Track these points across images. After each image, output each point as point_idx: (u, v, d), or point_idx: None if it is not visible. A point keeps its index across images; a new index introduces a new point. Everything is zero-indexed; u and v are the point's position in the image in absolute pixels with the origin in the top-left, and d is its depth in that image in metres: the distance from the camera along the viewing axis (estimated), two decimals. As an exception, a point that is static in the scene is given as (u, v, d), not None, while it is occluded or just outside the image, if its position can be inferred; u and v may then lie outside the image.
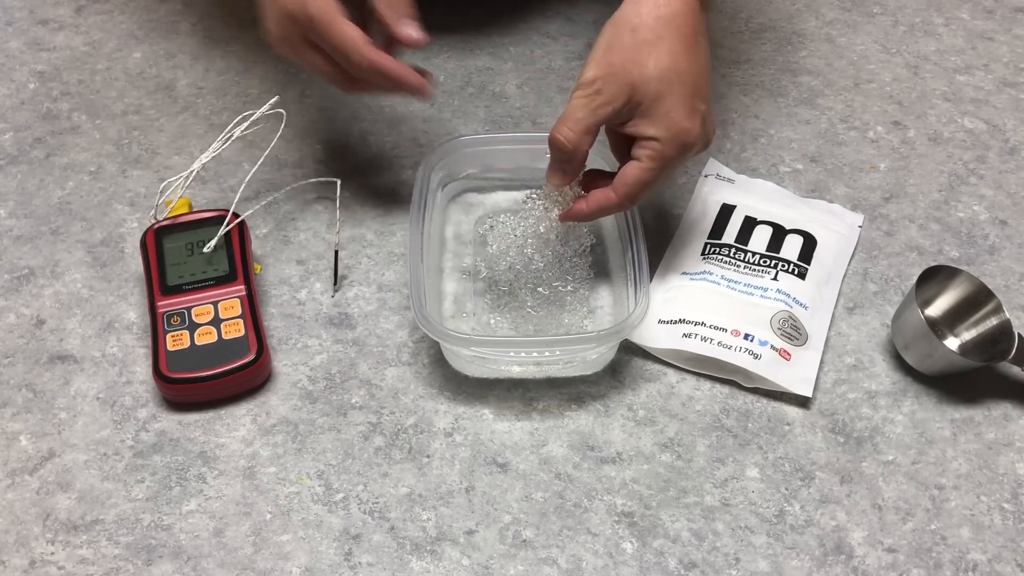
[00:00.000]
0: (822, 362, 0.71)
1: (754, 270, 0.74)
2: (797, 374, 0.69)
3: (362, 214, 0.80)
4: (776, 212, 0.79)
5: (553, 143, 0.66)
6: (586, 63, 0.65)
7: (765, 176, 0.84)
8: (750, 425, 0.68)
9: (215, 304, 0.70)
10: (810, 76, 0.93)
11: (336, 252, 0.76)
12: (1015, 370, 0.69)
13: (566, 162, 0.67)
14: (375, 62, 0.67)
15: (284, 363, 0.71)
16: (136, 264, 0.76)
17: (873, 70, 0.94)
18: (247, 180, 0.76)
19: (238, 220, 0.73)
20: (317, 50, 0.69)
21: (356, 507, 0.64)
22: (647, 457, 0.67)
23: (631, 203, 0.67)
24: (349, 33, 0.66)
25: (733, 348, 0.69)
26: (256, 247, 0.77)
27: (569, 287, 0.74)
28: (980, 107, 0.91)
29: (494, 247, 0.74)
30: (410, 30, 0.68)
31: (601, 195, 0.67)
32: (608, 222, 0.78)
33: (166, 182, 0.77)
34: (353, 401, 0.69)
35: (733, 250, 0.76)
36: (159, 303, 0.70)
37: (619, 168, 0.67)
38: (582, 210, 0.69)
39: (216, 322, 0.69)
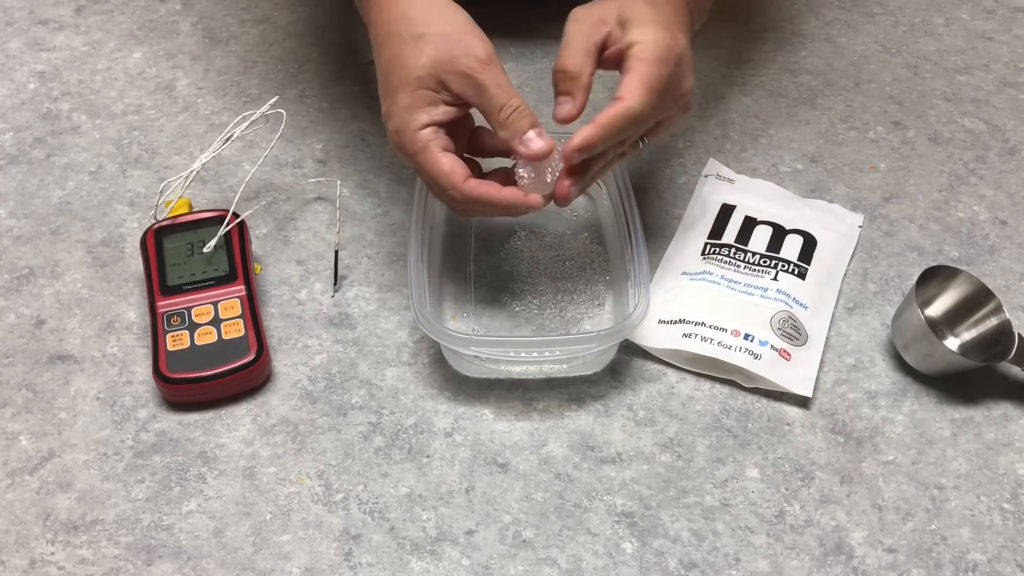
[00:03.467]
0: (822, 362, 0.71)
1: (754, 270, 0.74)
2: (797, 374, 0.69)
3: (362, 214, 0.80)
4: (776, 212, 0.79)
5: (557, 72, 0.64)
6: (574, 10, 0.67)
7: (765, 176, 0.84)
8: (750, 425, 0.68)
9: (215, 304, 0.70)
10: (810, 76, 0.93)
11: (336, 252, 0.76)
12: (1015, 370, 0.69)
13: (571, 89, 0.64)
14: (471, 194, 0.64)
15: (284, 363, 0.71)
16: (136, 264, 0.76)
17: (873, 70, 0.94)
18: (247, 180, 0.76)
19: (238, 220, 0.73)
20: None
21: (356, 507, 0.64)
22: (647, 457, 0.67)
23: (641, 108, 0.62)
24: (443, 169, 0.63)
25: (733, 348, 0.69)
26: (256, 247, 0.77)
27: (569, 287, 0.74)
28: (980, 107, 0.91)
29: (494, 246, 0.74)
30: (534, 144, 0.63)
31: (611, 109, 0.62)
32: (608, 222, 0.78)
33: (166, 182, 0.77)
34: (353, 401, 0.69)
35: (733, 250, 0.76)
36: (159, 303, 0.70)
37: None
38: (590, 132, 0.62)
39: (216, 322, 0.69)
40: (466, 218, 0.74)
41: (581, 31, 0.65)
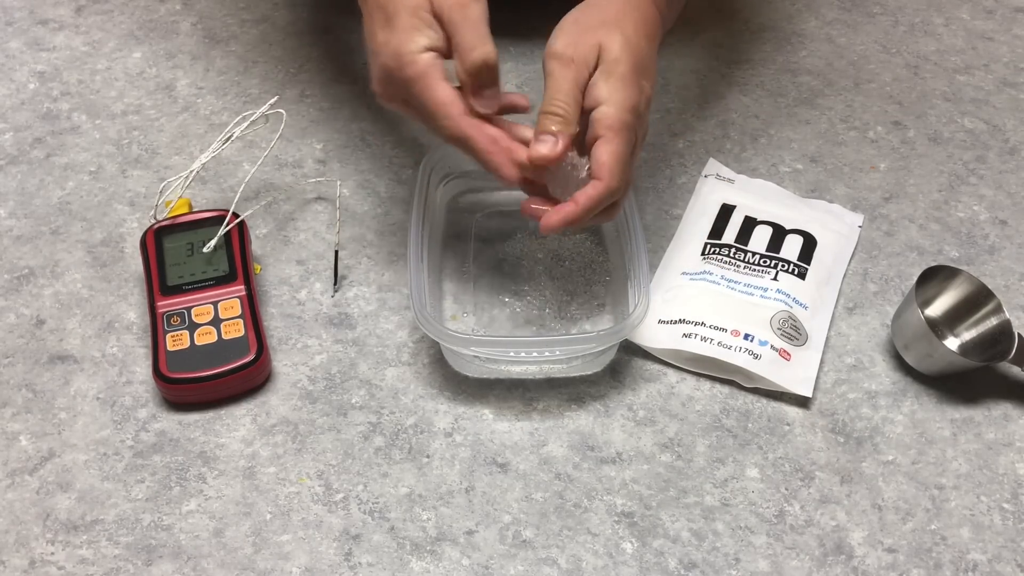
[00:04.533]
0: (822, 362, 0.71)
1: (754, 270, 0.74)
2: (797, 374, 0.69)
3: (362, 214, 0.80)
4: (776, 212, 0.79)
5: (546, 115, 0.63)
6: (553, 35, 0.66)
7: (765, 176, 0.84)
8: (750, 425, 0.68)
9: (215, 304, 0.70)
10: (810, 76, 0.93)
11: (336, 252, 0.76)
12: (1015, 370, 0.69)
13: (559, 130, 0.63)
14: (464, 132, 0.63)
15: (284, 363, 0.71)
16: (136, 264, 0.76)
17: (873, 70, 0.94)
18: (247, 180, 0.76)
19: (238, 220, 0.73)
20: (417, 111, 0.65)
21: (356, 507, 0.64)
22: (647, 457, 0.67)
23: (618, 183, 0.63)
24: (440, 97, 0.62)
25: (733, 348, 0.69)
26: (256, 247, 0.77)
27: (569, 287, 0.74)
28: (980, 107, 0.91)
29: (494, 246, 0.74)
30: (486, 102, 0.64)
31: (589, 190, 0.63)
32: (608, 222, 0.78)
33: (166, 182, 0.77)
34: (353, 401, 0.69)
35: (733, 250, 0.76)
36: (159, 303, 0.70)
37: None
38: (573, 211, 0.63)
39: (216, 322, 0.69)
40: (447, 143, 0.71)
41: (567, 75, 0.64)
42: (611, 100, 0.64)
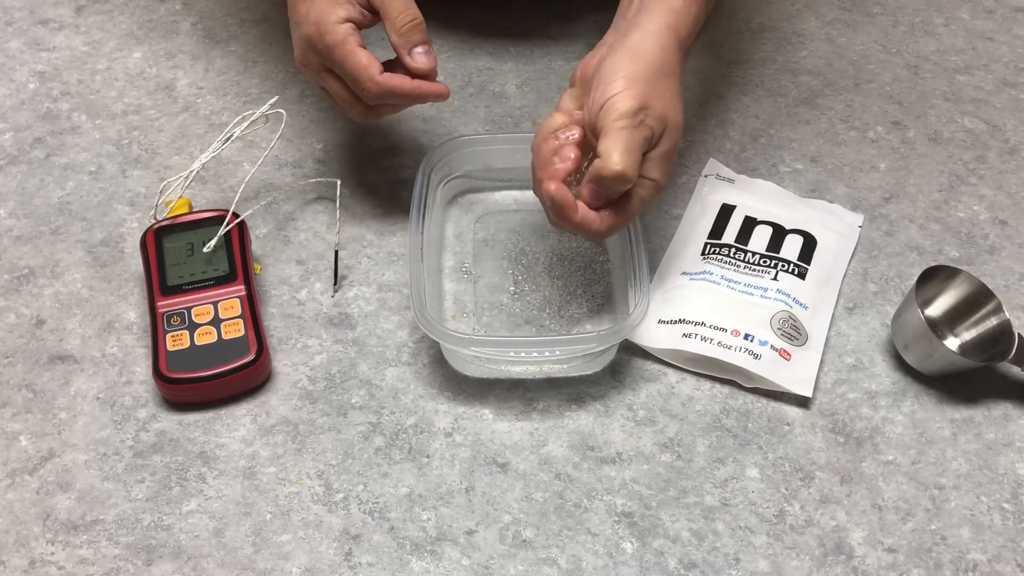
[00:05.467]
0: (822, 362, 0.71)
1: (754, 270, 0.74)
2: (797, 374, 0.69)
3: (362, 214, 0.80)
4: (776, 212, 0.79)
5: (615, 178, 0.62)
6: (611, 85, 0.63)
7: (765, 176, 0.84)
8: (750, 425, 0.68)
9: (215, 304, 0.70)
10: (810, 76, 0.93)
11: (336, 252, 0.76)
12: (1015, 370, 0.69)
13: (615, 192, 0.64)
14: (386, 85, 0.68)
15: (284, 363, 0.71)
16: (136, 264, 0.76)
17: (873, 70, 0.94)
18: (247, 180, 0.76)
19: (238, 220, 0.73)
20: (336, 77, 0.71)
21: (356, 507, 0.64)
22: (647, 457, 0.67)
23: (609, 233, 0.66)
24: (361, 61, 0.68)
25: (733, 348, 0.69)
26: (256, 247, 0.77)
27: (569, 287, 0.74)
28: (980, 107, 0.91)
29: (494, 246, 0.74)
30: (420, 57, 0.69)
31: (612, 216, 0.65)
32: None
33: (166, 182, 0.77)
34: (353, 401, 0.69)
35: (733, 250, 0.76)
36: (159, 303, 0.70)
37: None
38: (600, 229, 0.65)
39: (216, 322, 0.69)
40: (375, 119, 0.75)
41: (634, 137, 0.62)
42: (661, 178, 0.66)
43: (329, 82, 0.72)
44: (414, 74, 0.70)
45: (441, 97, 0.71)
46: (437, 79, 0.71)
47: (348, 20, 0.69)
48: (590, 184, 0.64)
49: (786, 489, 0.65)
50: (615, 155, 0.62)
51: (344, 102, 0.72)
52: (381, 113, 0.74)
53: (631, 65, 0.64)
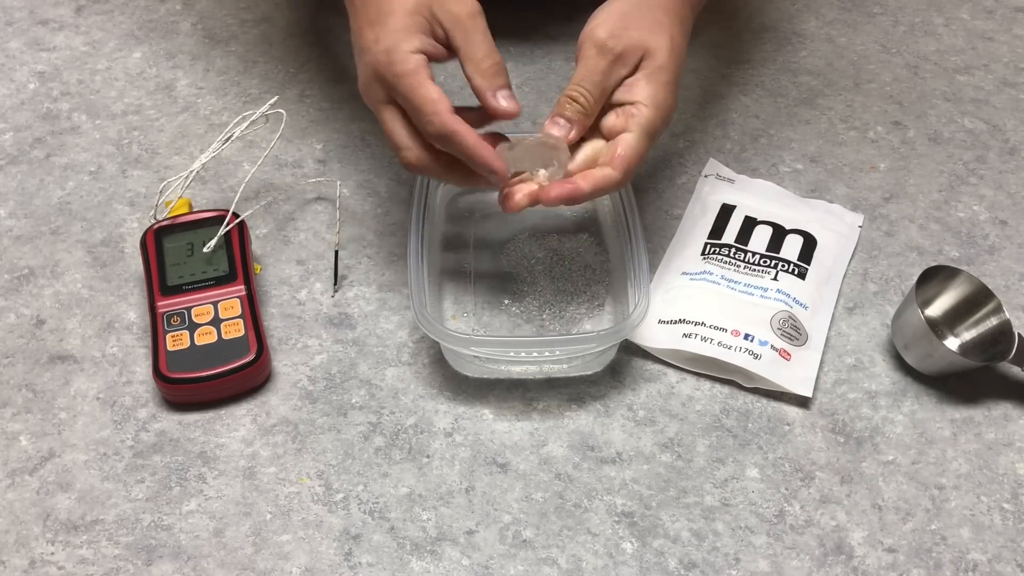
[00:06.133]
0: (822, 362, 0.71)
1: (754, 270, 0.74)
2: (797, 374, 0.69)
3: (362, 214, 0.80)
4: (776, 212, 0.79)
5: (568, 99, 0.65)
6: (594, 22, 0.66)
7: (765, 176, 0.84)
8: (750, 425, 0.68)
9: (215, 304, 0.70)
10: (810, 76, 0.93)
11: (336, 252, 0.76)
12: (1015, 370, 0.69)
13: (576, 119, 0.65)
14: (451, 126, 0.62)
15: (284, 363, 0.71)
16: (136, 264, 0.76)
17: (873, 70, 0.94)
18: (247, 180, 0.76)
19: (238, 220, 0.73)
20: (397, 112, 0.65)
21: (356, 507, 0.64)
22: (647, 457, 0.67)
23: (629, 179, 0.66)
24: (431, 94, 0.63)
25: (733, 348, 0.69)
26: (256, 247, 0.77)
27: (569, 287, 0.74)
28: (980, 107, 0.91)
29: (494, 246, 0.74)
30: (504, 101, 0.65)
31: (599, 174, 0.65)
32: (608, 222, 0.78)
33: (166, 182, 0.77)
34: (353, 401, 0.69)
35: (733, 250, 0.76)
36: (159, 303, 0.70)
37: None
38: (581, 190, 0.64)
39: (216, 322, 0.69)
40: (419, 170, 0.68)
41: (600, 66, 0.65)
42: (651, 103, 0.65)
43: (388, 117, 0.66)
44: (496, 117, 0.65)
45: (494, 174, 0.64)
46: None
47: (421, 51, 0.64)
48: (556, 115, 0.66)
49: (786, 489, 0.65)
50: (576, 76, 0.65)
51: (400, 141, 0.66)
52: (429, 168, 0.66)
53: (620, 4, 0.67)
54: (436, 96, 0.63)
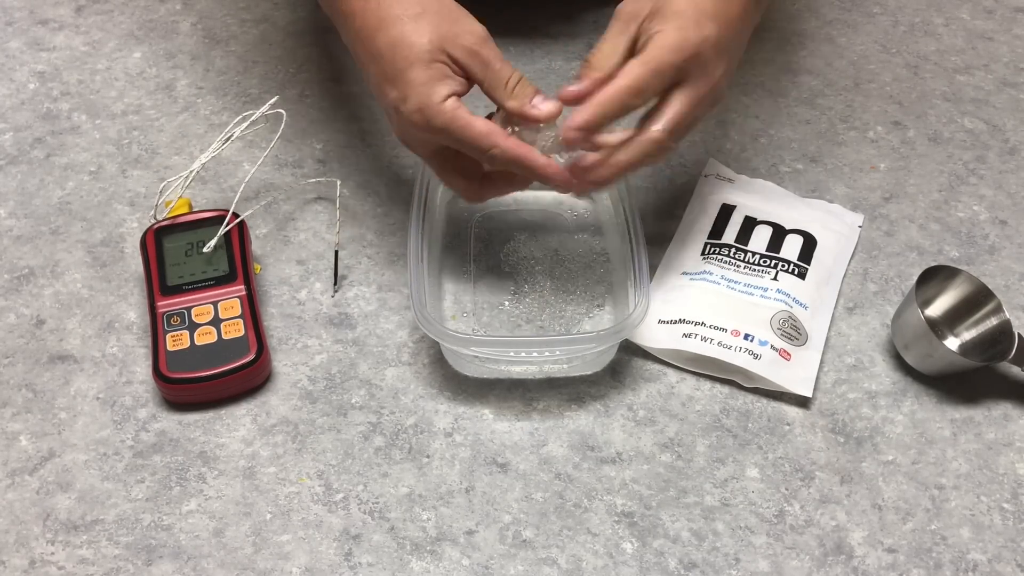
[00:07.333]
0: (822, 362, 0.71)
1: (754, 270, 0.74)
2: (797, 374, 0.69)
3: (362, 214, 0.80)
4: (776, 212, 0.79)
5: (584, 62, 0.64)
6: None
7: (765, 176, 0.84)
8: (750, 425, 0.68)
9: (215, 304, 0.70)
10: (810, 76, 0.93)
11: (336, 252, 0.76)
12: (1015, 370, 0.69)
13: (587, 76, 0.64)
14: (513, 151, 0.63)
15: (284, 363, 0.71)
16: (136, 264, 0.76)
17: (873, 70, 0.94)
18: (247, 180, 0.76)
19: (238, 220, 0.73)
20: (449, 156, 0.66)
21: (356, 507, 0.64)
22: (647, 457, 0.67)
23: (636, 83, 0.62)
24: (481, 128, 0.63)
25: (733, 348, 0.69)
26: (256, 247, 0.77)
27: (569, 287, 0.74)
28: (980, 107, 0.91)
29: (494, 246, 0.74)
30: (543, 104, 0.64)
31: (607, 87, 0.63)
32: (608, 222, 0.78)
33: (166, 182, 0.77)
34: (353, 401, 0.69)
35: (733, 250, 0.76)
36: (159, 303, 0.70)
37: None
38: (620, 161, 0.63)
39: (216, 322, 0.69)
40: (478, 200, 0.71)
41: (615, 27, 0.65)
42: (662, 27, 0.63)
43: (439, 167, 0.67)
44: (542, 122, 0.65)
45: (561, 185, 0.65)
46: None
47: (452, 95, 0.63)
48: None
49: (786, 489, 0.65)
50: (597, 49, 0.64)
51: (458, 185, 0.68)
52: (490, 194, 0.69)
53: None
54: (486, 129, 0.63)
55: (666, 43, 0.62)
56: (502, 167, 0.65)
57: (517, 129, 0.65)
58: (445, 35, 0.63)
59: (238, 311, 0.70)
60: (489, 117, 0.66)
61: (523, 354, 0.68)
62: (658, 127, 0.63)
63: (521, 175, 0.67)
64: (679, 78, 0.63)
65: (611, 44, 0.65)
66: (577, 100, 0.63)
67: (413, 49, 0.63)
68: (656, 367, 0.71)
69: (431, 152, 0.67)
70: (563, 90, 0.64)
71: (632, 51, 0.64)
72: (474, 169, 0.68)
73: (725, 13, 0.65)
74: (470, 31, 0.64)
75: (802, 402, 0.69)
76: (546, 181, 0.65)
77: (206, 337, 0.68)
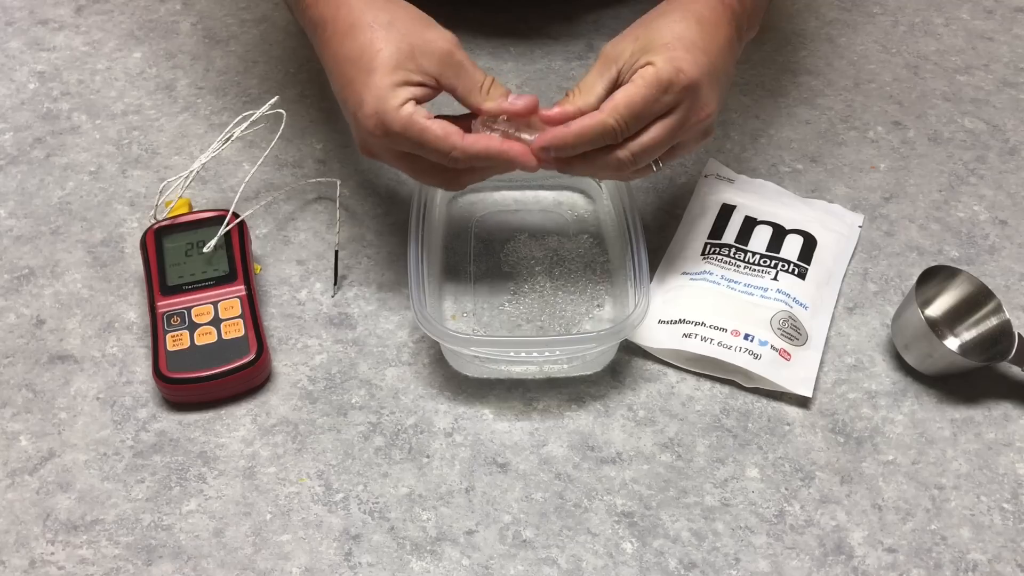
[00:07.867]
0: (822, 362, 0.71)
1: (754, 270, 0.74)
2: (797, 374, 0.69)
3: (362, 214, 0.80)
4: (776, 212, 0.79)
5: (568, 93, 0.66)
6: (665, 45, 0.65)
7: (765, 176, 0.84)
8: (750, 425, 0.68)
9: (215, 304, 0.70)
10: (810, 76, 0.93)
11: (336, 252, 0.76)
12: (1015, 370, 0.69)
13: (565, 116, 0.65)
14: (472, 148, 0.63)
15: (284, 363, 0.71)
16: (136, 264, 0.76)
17: (873, 70, 0.94)
18: (247, 180, 0.77)
19: (238, 220, 0.73)
20: (413, 159, 0.65)
21: (356, 507, 0.64)
22: (647, 457, 0.67)
23: (615, 125, 0.63)
24: (437, 132, 0.62)
25: (733, 348, 0.69)
26: (256, 247, 0.77)
27: (569, 287, 0.74)
28: (980, 107, 0.91)
29: (494, 247, 0.74)
30: (518, 101, 0.65)
31: (587, 118, 0.63)
32: (608, 222, 0.78)
33: (166, 182, 0.77)
34: (353, 401, 0.69)
35: (733, 250, 0.76)
36: (159, 303, 0.70)
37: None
38: (565, 135, 0.63)
39: (216, 322, 0.69)
40: (458, 188, 0.70)
41: (596, 69, 0.66)
42: (652, 60, 0.64)
43: (407, 167, 0.67)
44: (520, 116, 0.65)
45: (526, 164, 0.65)
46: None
47: (410, 100, 0.63)
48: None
49: (786, 489, 0.65)
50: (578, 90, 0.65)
51: (433, 180, 0.67)
52: (467, 180, 0.68)
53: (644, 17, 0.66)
54: (442, 131, 0.63)
55: (649, 79, 0.63)
56: (467, 164, 0.64)
57: (496, 128, 0.65)
58: (415, 43, 0.64)
59: (238, 311, 0.70)
60: (468, 128, 0.66)
61: (523, 354, 0.68)
62: (658, 165, 0.66)
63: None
64: (672, 106, 0.64)
65: (589, 88, 0.65)
66: (551, 120, 0.64)
67: (378, 56, 0.63)
68: (656, 367, 0.71)
69: (396, 157, 0.66)
70: (539, 112, 0.65)
71: (611, 92, 0.65)
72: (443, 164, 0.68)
73: (713, 44, 0.66)
74: (440, 37, 0.64)
75: (802, 402, 0.69)
76: (512, 163, 0.65)
77: (206, 337, 0.68)
